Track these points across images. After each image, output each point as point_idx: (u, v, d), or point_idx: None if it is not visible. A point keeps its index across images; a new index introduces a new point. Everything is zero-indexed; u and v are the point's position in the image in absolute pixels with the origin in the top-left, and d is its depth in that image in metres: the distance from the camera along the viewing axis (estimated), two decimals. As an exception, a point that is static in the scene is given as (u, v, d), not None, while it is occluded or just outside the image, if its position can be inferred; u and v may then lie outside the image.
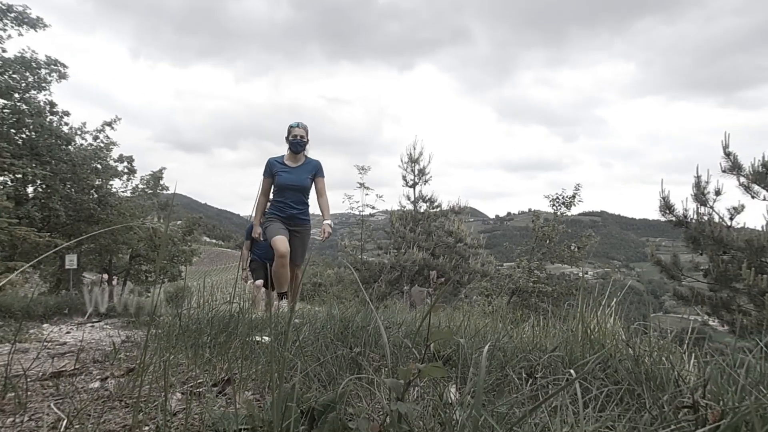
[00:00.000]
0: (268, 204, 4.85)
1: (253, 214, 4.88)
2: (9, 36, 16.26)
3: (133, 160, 22.97)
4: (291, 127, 4.75)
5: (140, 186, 23.87)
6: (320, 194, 4.72)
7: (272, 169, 4.67)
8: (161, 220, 19.25)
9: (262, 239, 4.84)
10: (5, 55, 16.34)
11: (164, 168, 25.05)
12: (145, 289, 23.50)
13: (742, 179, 8.29)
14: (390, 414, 0.78)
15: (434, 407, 1.06)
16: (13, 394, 1.22)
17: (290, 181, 4.62)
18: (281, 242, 4.37)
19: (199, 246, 30.63)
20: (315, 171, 4.72)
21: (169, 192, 24.51)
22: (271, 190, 4.76)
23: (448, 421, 0.87)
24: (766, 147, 8.27)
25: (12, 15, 16.08)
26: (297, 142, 4.67)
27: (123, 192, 22.97)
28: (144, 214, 22.66)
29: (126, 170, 22.78)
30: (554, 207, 17.93)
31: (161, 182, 24.36)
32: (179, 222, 25.22)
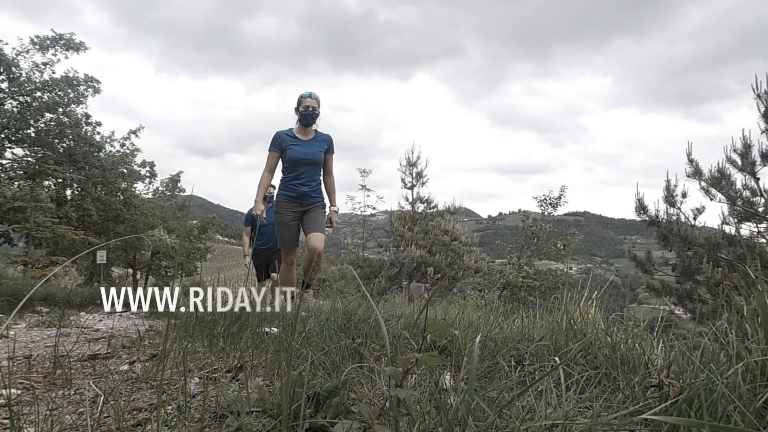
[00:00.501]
0: (276, 187, 4.16)
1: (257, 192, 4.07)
2: (58, 60, 17.81)
3: (154, 165, 23.04)
4: (302, 97, 3.93)
5: (160, 188, 23.93)
6: (328, 173, 4.00)
7: (281, 143, 3.86)
8: (164, 231, 19.76)
9: (265, 218, 4.38)
10: (54, 76, 17.74)
11: (182, 172, 25.12)
12: (164, 284, 23.59)
13: (703, 183, 8.71)
14: (390, 399, 0.78)
15: (430, 393, 1.06)
16: (60, 371, 1.29)
17: (303, 155, 3.84)
18: (290, 253, 3.98)
19: (213, 244, 30.55)
20: (327, 145, 3.96)
21: (186, 194, 24.56)
22: (279, 167, 4.00)
23: (443, 405, 0.87)
24: (721, 155, 8.83)
25: (62, 42, 17.52)
26: (309, 114, 3.86)
27: (145, 194, 23.06)
28: (163, 214, 22.78)
29: (148, 174, 22.86)
30: (542, 207, 17.91)
31: (179, 185, 24.43)
32: (195, 221, 25.20)
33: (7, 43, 16.56)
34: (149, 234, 17.80)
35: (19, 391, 1.17)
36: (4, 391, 1.07)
